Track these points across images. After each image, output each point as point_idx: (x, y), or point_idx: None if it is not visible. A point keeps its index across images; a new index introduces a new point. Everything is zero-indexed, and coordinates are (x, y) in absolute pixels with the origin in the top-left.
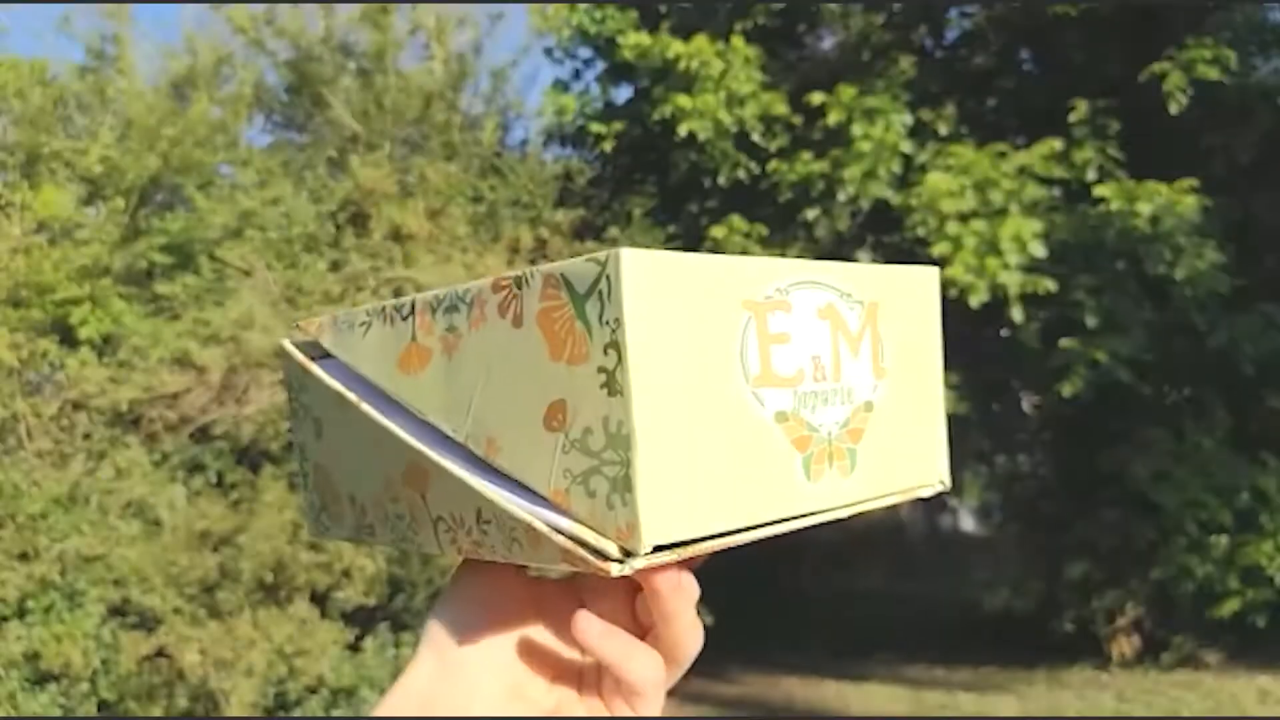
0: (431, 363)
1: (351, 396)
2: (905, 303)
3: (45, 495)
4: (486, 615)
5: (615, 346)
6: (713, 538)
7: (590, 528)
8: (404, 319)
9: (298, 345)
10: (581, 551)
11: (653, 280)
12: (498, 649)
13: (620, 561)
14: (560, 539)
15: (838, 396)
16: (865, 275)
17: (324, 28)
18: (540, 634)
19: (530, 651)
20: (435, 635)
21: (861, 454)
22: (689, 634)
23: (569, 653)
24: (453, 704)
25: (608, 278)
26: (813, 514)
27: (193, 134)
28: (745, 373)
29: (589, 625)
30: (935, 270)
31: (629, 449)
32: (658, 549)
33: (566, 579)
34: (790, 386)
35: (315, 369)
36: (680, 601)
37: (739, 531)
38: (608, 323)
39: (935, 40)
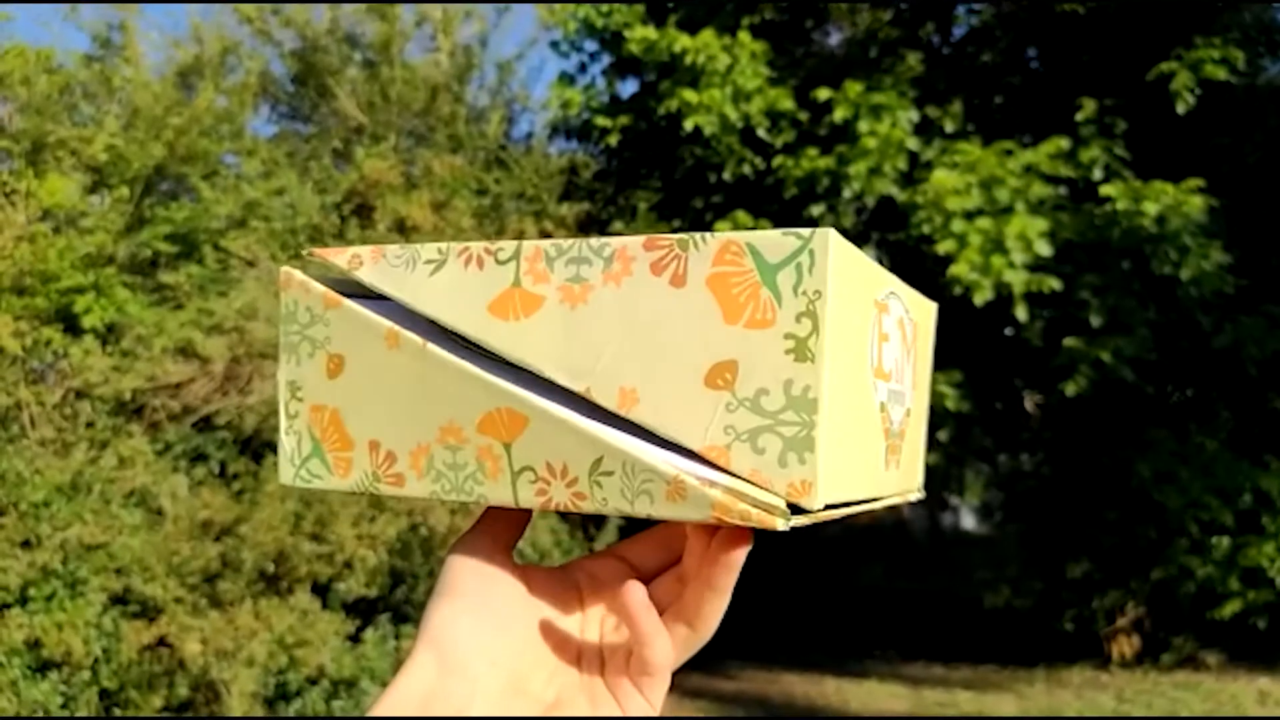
0: (542, 310)
1: (414, 337)
2: (926, 326)
3: (47, 483)
4: (484, 612)
5: (811, 316)
6: (845, 505)
7: (752, 484)
8: (501, 263)
9: (314, 277)
10: (741, 505)
11: (843, 262)
12: (497, 645)
13: (786, 517)
14: (714, 492)
15: (902, 399)
16: (910, 295)
17: (330, 19)
18: (538, 626)
19: (529, 645)
20: (433, 634)
21: (902, 454)
22: (721, 610)
23: (568, 642)
24: (454, 704)
25: (811, 252)
26: (879, 499)
27: (198, 124)
28: (870, 361)
29: (638, 595)
30: (935, 305)
31: (814, 412)
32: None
33: (560, 569)
34: (887, 382)
35: (350, 303)
36: (734, 576)
37: (857, 503)
38: (804, 293)
39: (943, 37)
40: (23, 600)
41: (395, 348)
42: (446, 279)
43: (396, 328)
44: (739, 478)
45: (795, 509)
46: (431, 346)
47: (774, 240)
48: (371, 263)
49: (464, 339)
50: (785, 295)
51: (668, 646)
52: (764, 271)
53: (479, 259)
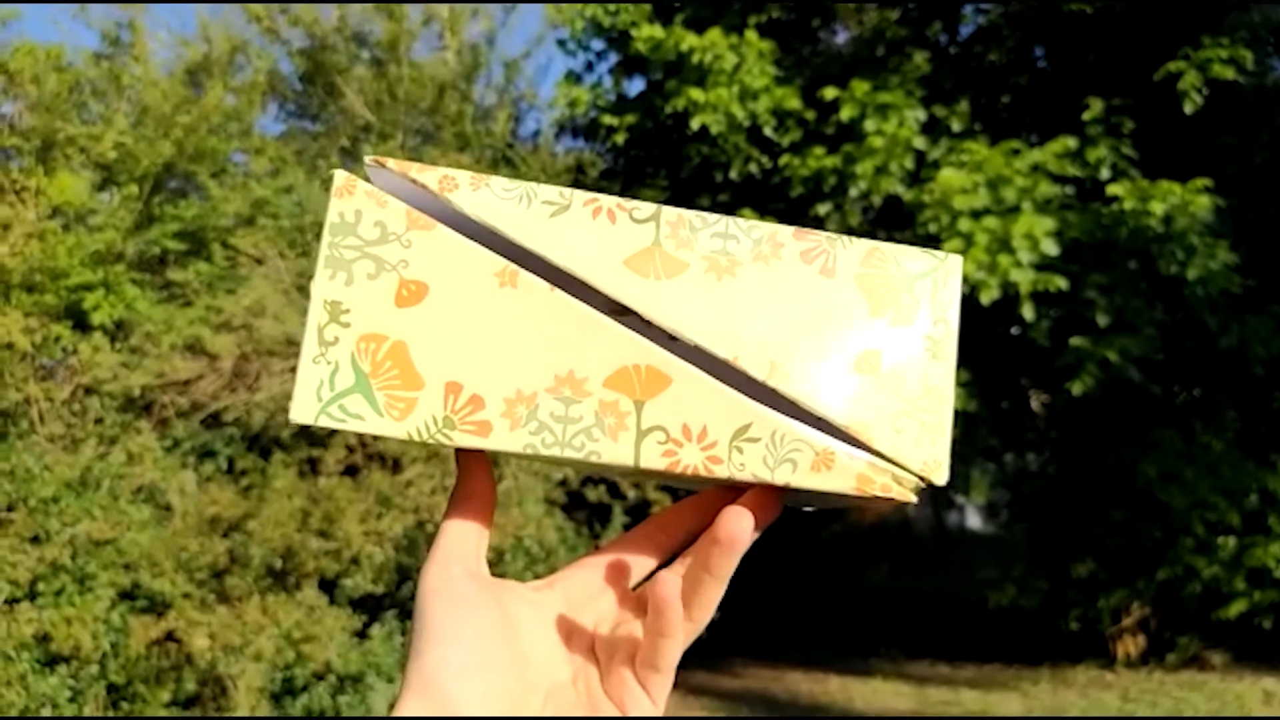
0: (686, 275)
1: (536, 278)
2: None
3: (57, 479)
4: (469, 651)
5: (945, 323)
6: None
7: (889, 460)
8: (638, 221)
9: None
10: (882, 479)
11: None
12: (488, 684)
13: (918, 490)
14: (858, 465)
15: None
16: None
17: (338, 17)
18: (526, 652)
19: (520, 673)
20: (423, 679)
21: None
22: (716, 598)
23: (560, 661)
24: None
25: (946, 270)
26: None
27: (207, 122)
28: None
29: (674, 585)
30: None
31: (945, 403)
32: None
33: (540, 584)
34: None
35: (446, 230)
36: (733, 560)
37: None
38: (940, 303)
39: (950, 36)
40: (32, 595)
41: (508, 285)
42: (572, 226)
43: (514, 265)
44: (877, 454)
45: (926, 484)
46: (558, 291)
47: (914, 255)
48: (471, 189)
49: (587, 288)
50: (924, 302)
51: (679, 646)
52: (905, 279)
53: (610, 213)
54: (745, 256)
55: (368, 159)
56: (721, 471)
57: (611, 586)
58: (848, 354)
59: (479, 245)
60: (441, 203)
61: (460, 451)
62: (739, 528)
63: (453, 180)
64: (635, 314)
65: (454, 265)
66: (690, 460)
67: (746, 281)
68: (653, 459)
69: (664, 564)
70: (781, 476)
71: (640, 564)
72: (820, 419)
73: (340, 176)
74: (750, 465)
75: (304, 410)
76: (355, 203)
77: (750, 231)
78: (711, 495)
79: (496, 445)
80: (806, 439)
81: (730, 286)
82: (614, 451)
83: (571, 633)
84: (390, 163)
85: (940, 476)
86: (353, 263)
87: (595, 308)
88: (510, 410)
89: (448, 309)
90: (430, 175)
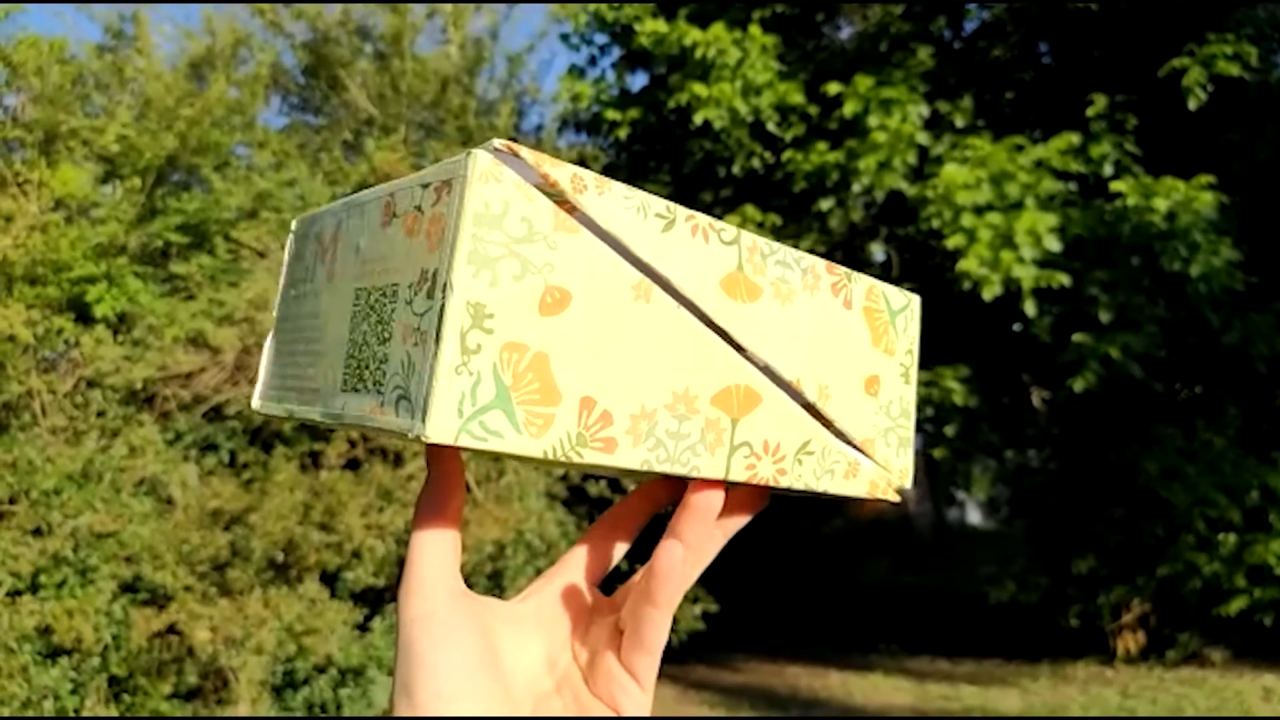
0: (761, 300)
1: (664, 294)
2: None
3: (59, 471)
4: (463, 678)
5: (913, 352)
6: None
7: (883, 468)
8: (726, 244)
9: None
10: (883, 484)
11: None
12: (481, 706)
13: (899, 490)
14: (870, 474)
15: None
16: None
17: (341, 10)
18: (512, 668)
19: (509, 692)
20: (415, 712)
21: None
22: (691, 578)
23: (542, 673)
24: None
25: (914, 306)
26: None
27: (210, 115)
28: None
29: (676, 553)
30: None
31: (912, 421)
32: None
33: (518, 602)
34: None
35: (589, 235)
36: (702, 527)
37: None
38: (909, 334)
39: (954, 32)
40: (34, 587)
41: (642, 300)
42: (678, 242)
43: (646, 279)
44: (876, 463)
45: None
46: (683, 309)
47: (894, 291)
48: (597, 194)
49: (691, 306)
50: (901, 333)
51: (668, 620)
52: (890, 314)
53: (704, 232)
54: (798, 285)
55: (496, 142)
56: (784, 482)
57: (583, 591)
58: (861, 378)
59: (617, 255)
60: (566, 203)
61: (434, 450)
62: (672, 560)
63: (582, 181)
64: (725, 333)
65: (595, 274)
66: (765, 473)
67: (800, 309)
68: (739, 472)
69: (630, 553)
70: (823, 485)
71: (604, 561)
72: (845, 434)
73: (485, 160)
74: (804, 477)
75: (442, 428)
76: (503, 191)
77: (800, 262)
78: (655, 484)
79: (618, 462)
80: (844, 452)
81: (790, 313)
82: (712, 466)
83: (550, 643)
84: (524, 151)
85: (909, 482)
86: (498, 261)
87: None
88: (634, 426)
89: (589, 319)
90: (563, 172)
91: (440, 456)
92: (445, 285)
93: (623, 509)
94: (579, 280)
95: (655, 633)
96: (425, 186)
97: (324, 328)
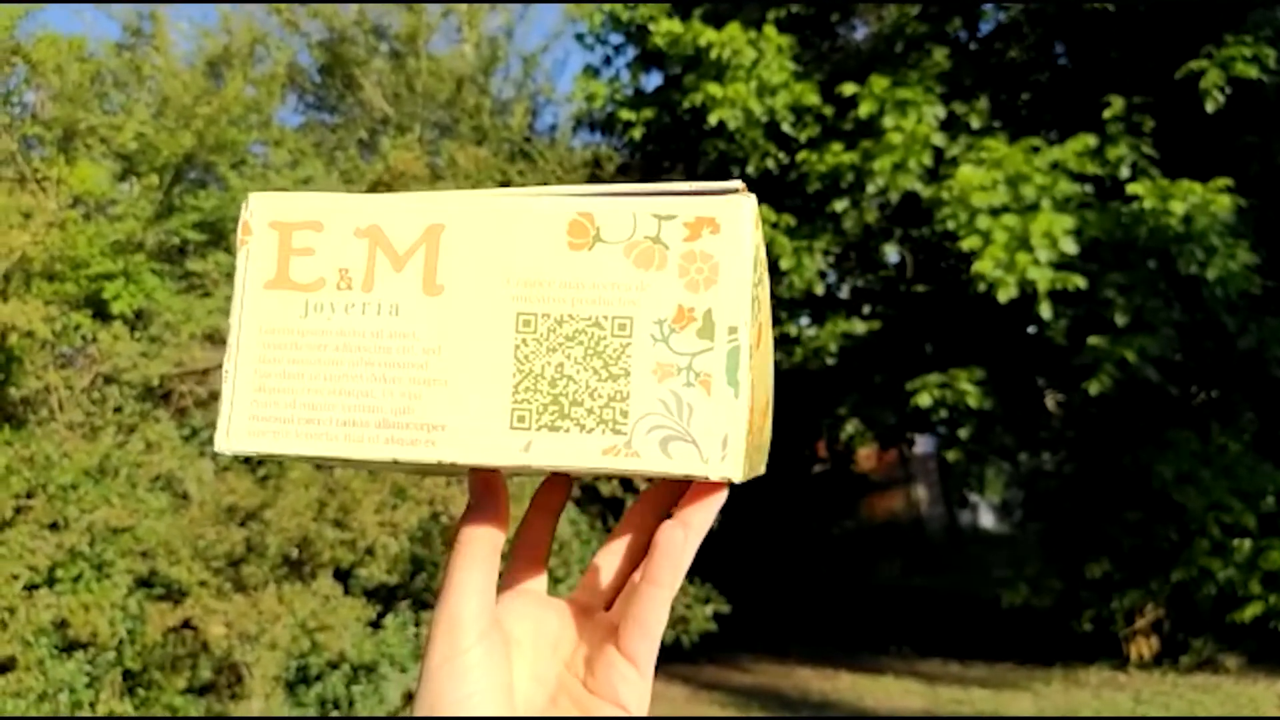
0: None
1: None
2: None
3: (75, 467)
4: (480, 709)
5: None
6: None
7: None
8: None
9: None
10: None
11: None
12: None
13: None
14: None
15: None
16: None
17: (357, 9)
18: (517, 686)
19: (513, 708)
20: None
21: None
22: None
23: (536, 691)
24: None
25: None
26: None
27: (227, 113)
28: None
29: (679, 534)
30: None
31: None
32: None
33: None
34: None
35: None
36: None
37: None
38: None
39: (970, 32)
40: (50, 581)
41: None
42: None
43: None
44: None
45: None
46: None
47: None
48: None
49: None
50: None
51: (669, 603)
52: None
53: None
54: None
55: (737, 184)
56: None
57: (567, 604)
58: None
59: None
60: None
61: (483, 477)
62: (675, 541)
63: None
64: None
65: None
66: None
67: None
68: None
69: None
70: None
71: (611, 579)
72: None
73: (753, 204)
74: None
75: (737, 467)
76: (759, 235)
77: None
78: (657, 491)
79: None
80: None
81: None
82: None
83: (535, 660)
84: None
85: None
86: (755, 302)
87: None
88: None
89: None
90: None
91: (490, 484)
92: (736, 329)
93: (628, 527)
94: (753, 315)
95: (657, 614)
96: (665, 218)
97: (437, 350)
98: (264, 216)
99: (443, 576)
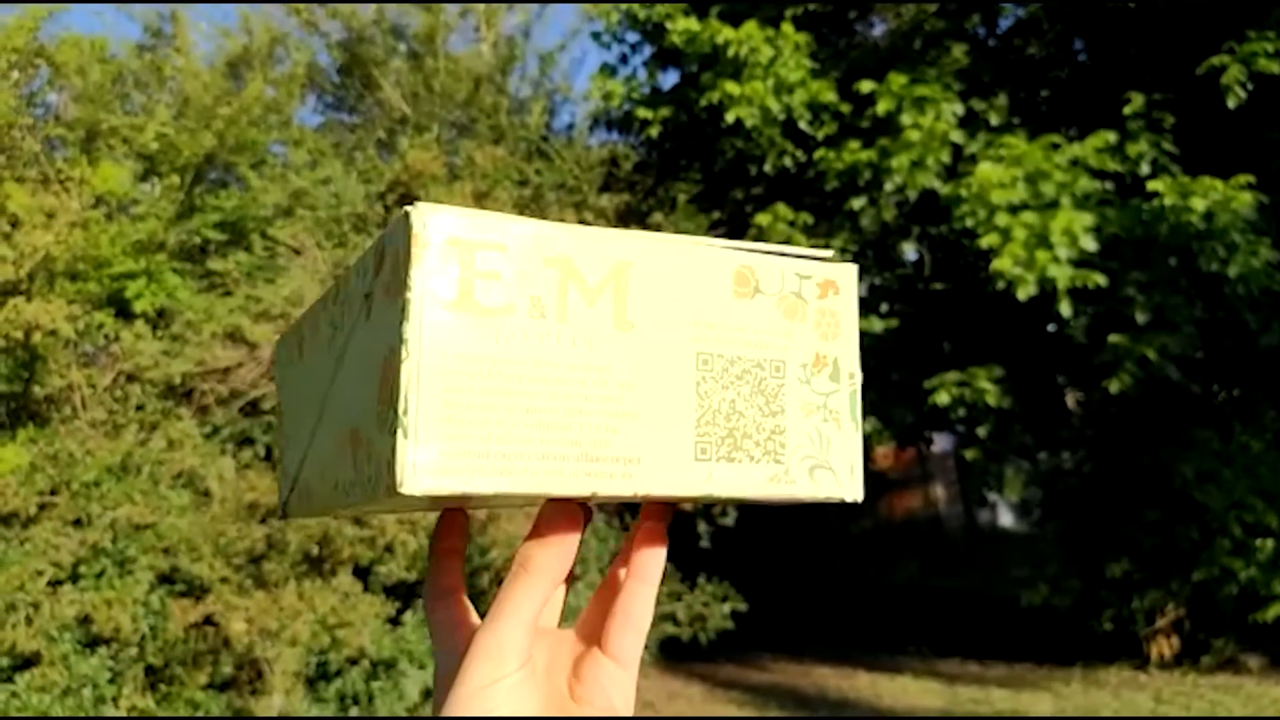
0: None
1: None
2: None
3: (98, 464)
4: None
5: None
6: None
7: None
8: None
9: None
10: None
11: None
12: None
13: None
14: None
15: None
16: None
17: (375, 9)
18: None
19: None
20: None
21: None
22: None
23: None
24: None
25: None
26: None
27: (247, 113)
28: None
29: (660, 532)
30: None
31: None
32: None
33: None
34: None
35: None
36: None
37: None
38: None
39: (989, 29)
40: (74, 577)
41: None
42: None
43: None
44: None
45: None
46: None
47: None
48: None
49: None
50: None
51: (654, 599)
52: None
53: None
54: None
55: (827, 253)
56: None
57: (563, 635)
58: None
59: None
60: None
61: (559, 506)
62: (660, 539)
63: None
64: None
65: None
66: None
67: None
68: None
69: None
70: None
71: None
72: None
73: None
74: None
75: (860, 488)
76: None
77: None
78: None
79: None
80: None
81: None
82: None
83: (547, 679)
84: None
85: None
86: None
87: None
88: None
89: None
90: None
91: (571, 515)
92: (854, 375)
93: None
94: None
95: (645, 609)
96: (804, 277)
97: (631, 385)
98: (440, 232)
99: (497, 596)
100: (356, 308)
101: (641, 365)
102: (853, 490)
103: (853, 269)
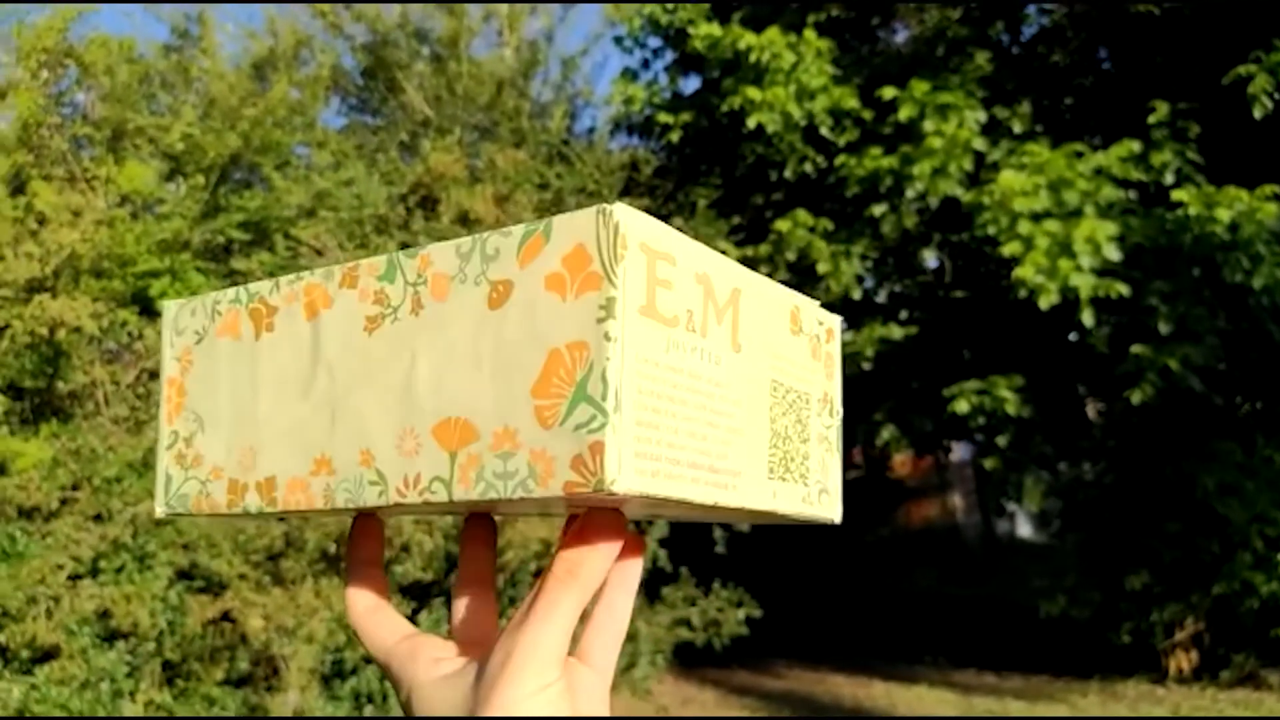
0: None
1: None
2: None
3: (120, 460)
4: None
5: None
6: None
7: None
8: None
9: None
10: None
11: None
12: None
13: None
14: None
15: None
16: None
17: (400, 12)
18: None
19: None
20: None
21: None
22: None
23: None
24: None
25: None
26: None
27: (272, 115)
28: None
29: (644, 543)
30: None
31: None
32: None
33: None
34: None
35: None
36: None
37: None
38: None
39: (1012, 36)
40: (94, 572)
41: None
42: None
43: None
44: None
45: None
46: None
47: None
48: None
49: None
50: None
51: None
52: None
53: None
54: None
55: (822, 313)
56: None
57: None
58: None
59: None
60: None
61: (602, 517)
62: (640, 548)
63: None
64: None
65: None
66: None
67: None
68: None
69: None
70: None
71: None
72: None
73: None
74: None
75: (840, 512)
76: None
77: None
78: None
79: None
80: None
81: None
82: None
83: None
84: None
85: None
86: None
87: None
88: None
89: None
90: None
91: (614, 522)
92: (838, 412)
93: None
94: None
95: (625, 618)
96: (820, 323)
97: (739, 403)
98: (635, 236)
99: (539, 599)
100: (457, 294)
101: (745, 386)
102: (839, 513)
103: (839, 319)
